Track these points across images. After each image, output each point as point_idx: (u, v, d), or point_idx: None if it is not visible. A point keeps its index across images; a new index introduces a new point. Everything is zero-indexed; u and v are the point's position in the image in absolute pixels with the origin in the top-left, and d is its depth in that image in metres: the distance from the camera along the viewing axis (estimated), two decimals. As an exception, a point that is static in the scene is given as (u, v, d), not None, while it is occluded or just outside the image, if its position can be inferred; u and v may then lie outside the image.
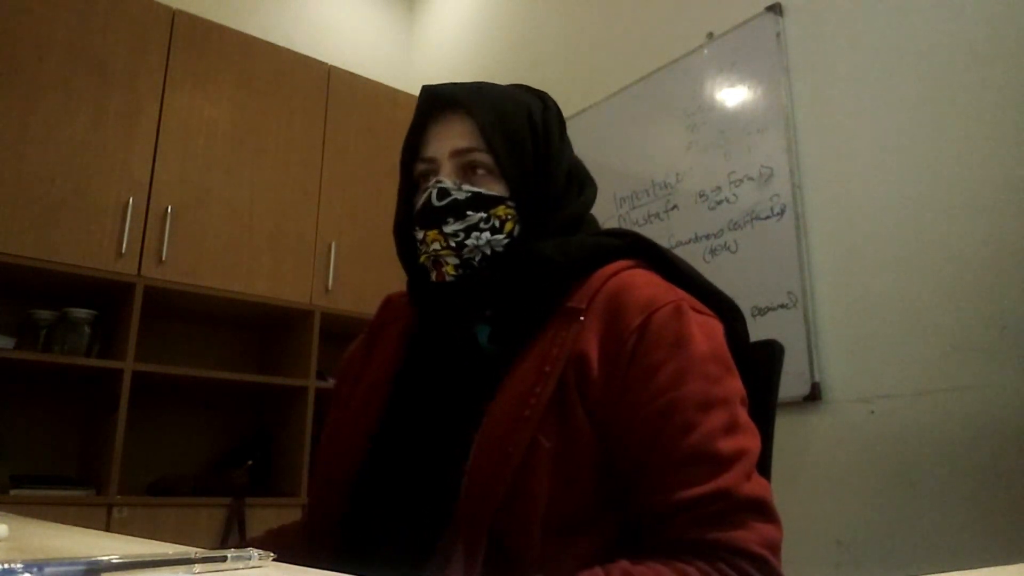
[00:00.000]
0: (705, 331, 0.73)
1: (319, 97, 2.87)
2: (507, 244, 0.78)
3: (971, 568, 0.39)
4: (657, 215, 2.36)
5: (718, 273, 2.11)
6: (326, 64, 2.93)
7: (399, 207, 0.85)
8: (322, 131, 2.85)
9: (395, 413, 0.81)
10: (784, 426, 1.05)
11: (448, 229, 0.77)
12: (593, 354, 0.72)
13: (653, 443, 0.68)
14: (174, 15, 2.57)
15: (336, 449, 0.84)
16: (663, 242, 2.27)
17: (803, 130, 2.00)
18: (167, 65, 2.52)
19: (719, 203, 2.16)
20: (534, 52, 3.07)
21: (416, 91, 0.85)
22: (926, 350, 1.66)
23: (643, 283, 0.76)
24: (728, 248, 2.12)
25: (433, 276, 0.80)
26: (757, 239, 2.04)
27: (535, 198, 0.79)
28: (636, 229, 2.37)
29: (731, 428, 0.68)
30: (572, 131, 0.89)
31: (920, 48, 1.78)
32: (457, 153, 0.79)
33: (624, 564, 0.63)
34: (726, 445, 0.66)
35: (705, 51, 2.30)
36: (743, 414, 0.70)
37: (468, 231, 0.77)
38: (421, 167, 0.82)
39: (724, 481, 0.64)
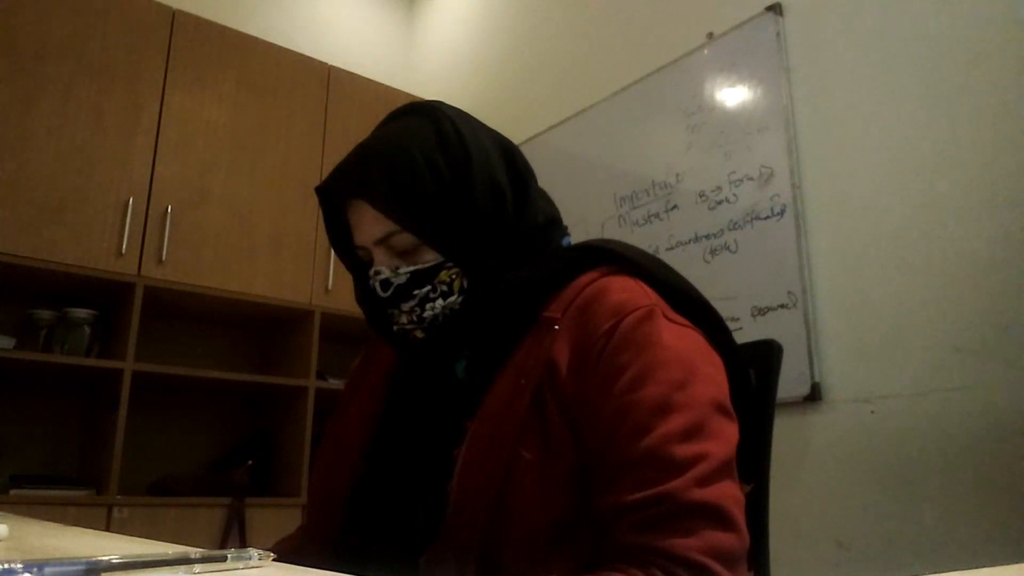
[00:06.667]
0: (676, 336, 0.72)
1: (319, 97, 2.87)
2: (463, 301, 0.78)
3: (971, 568, 0.39)
4: (657, 215, 2.36)
5: (718, 273, 2.11)
6: (326, 64, 2.93)
7: (354, 281, 0.86)
8: (322, 131, 2.84)
9: (383, 435, 0.84)
10: (784, 426, 1.05)
11: (405, 308, 0.78)
12: (564, 359, 0.72)
13: (608, 445, 0.67)
14: (174, 15, 2.57)
15: (329, 470, 0.87)
16: (663, 242, 2.30)
17: (803, 130, 2.00)
18: (167, 65, 2.52)
19: (719, 203, 2.16)
20: (534, 52, 3.06)
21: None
22: (926, 350, 1.66)
23: (618, 288, 0.75)
24: (728, 248, 2.12)
25: (409, 338, 0.81)
26: (757, 239, 2.04)
27: (467, 247, 0.78)
28: (636, 229, 2.40)
29: (691, 433, 0.65)
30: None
31: (920, 48, 1.78)
32: (379, 242, 0.79)
33: None
34: (682, 450, 0.64)
35: (705, 51, 2.29)
36: (713, 421, 0.67)
37: (422, 305, 0.78)
38: (360, 252, 0.83)
39: (671, 485, 0.62)
